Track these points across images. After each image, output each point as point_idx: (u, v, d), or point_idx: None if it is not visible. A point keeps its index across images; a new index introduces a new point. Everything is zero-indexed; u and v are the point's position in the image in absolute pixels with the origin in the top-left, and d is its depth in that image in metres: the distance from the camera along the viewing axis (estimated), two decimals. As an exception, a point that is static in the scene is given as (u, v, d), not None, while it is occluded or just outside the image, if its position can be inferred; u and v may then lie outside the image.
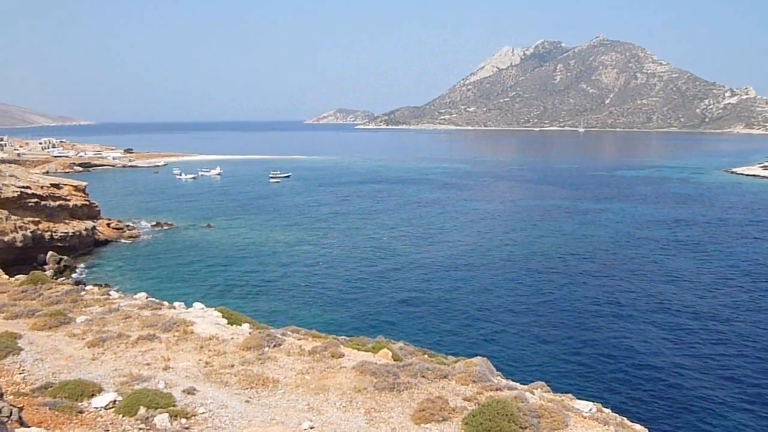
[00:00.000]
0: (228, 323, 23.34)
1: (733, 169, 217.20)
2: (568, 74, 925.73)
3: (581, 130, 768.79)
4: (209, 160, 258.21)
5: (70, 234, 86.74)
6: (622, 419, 18.06)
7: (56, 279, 57.48)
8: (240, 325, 23.42)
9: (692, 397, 42.31)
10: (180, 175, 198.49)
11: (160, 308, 24.94)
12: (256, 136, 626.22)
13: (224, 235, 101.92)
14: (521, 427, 13.14)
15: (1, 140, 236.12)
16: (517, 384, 19.26)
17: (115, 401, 13.99)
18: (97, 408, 13.66)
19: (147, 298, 27.81)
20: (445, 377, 17.04)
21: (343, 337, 26.27)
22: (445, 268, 78.83)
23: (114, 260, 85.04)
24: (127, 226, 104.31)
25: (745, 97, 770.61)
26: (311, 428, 13.56)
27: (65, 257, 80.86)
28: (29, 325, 21.23)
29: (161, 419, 13.01)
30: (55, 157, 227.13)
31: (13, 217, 78.01)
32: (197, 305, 26.15)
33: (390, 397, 15.47)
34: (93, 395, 14.27)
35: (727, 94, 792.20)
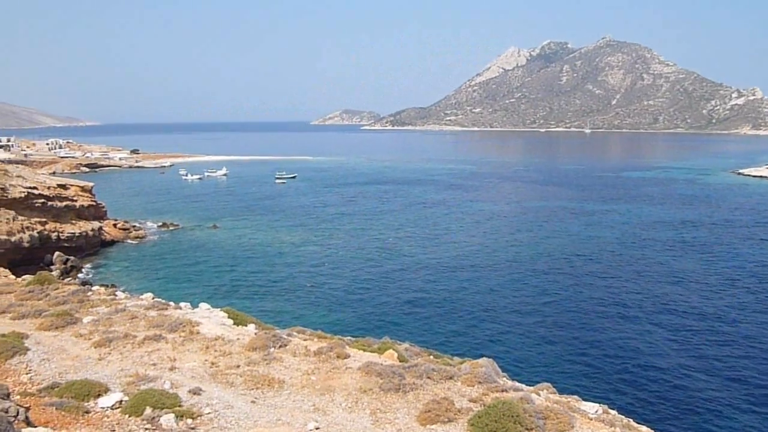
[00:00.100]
0: (234, 324, 23.38)
1: (740, 170, 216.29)
2: (575, 75, 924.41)
3: (587, 131, 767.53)
4: (215, 161, 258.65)
5: (76, 234, 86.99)
6: (629, 421, 18.03)
7: (63, 279, 57.60)
8: (246, 325, 23.46)
9: (699, 398, 42.16)
10: (186, 175, 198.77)
11: (167, 309, 25.00)
12: (262, 137, 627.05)
13: (230, 235, 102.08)
14: (527, 429, 13.12)
15: (9, 141, 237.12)
16: (523, 385, 19.24)
17: (121, 401, 14.03)
18: (103, 408, 13.70)
19: (153, 298, 27.89)
20: (450, 378, 17.03)
21: (349, 337, 26.26)
22: (451, 269, 78.77)
23: (120, 261, 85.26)
24: (134, 226, 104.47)
25: (752, 98, 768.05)
26: (317, 429, 13.57)
27: (72, 257, 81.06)
28: (36, 325, 21.31)
29: (167, 419, 13.03)
30: (62, 157, 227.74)
31: (20, 218, 78.30)
32: (203, 306, 26.20)
33: (396, 398, 15.46)
34: (99, 395, 14.31)
35: (734, 95, 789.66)
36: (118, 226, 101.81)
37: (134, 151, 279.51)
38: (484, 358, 20.79)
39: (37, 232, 79.13)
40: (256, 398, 15.27)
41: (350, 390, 15.91)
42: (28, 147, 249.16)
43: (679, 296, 66.31)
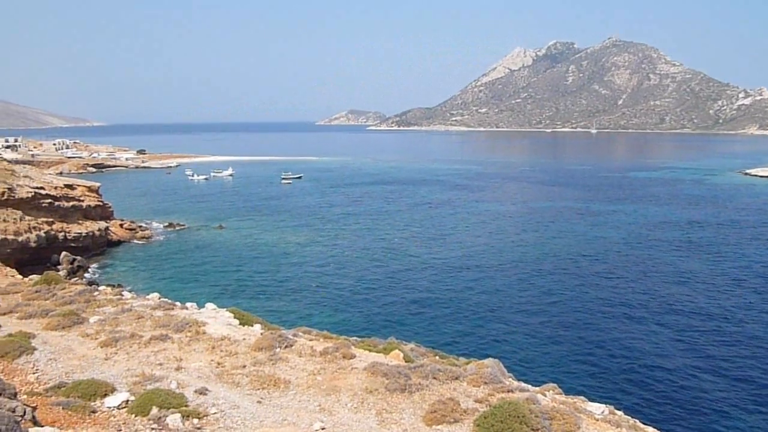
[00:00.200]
0: (240, 324, 23.41)
1: (747, 171, 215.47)
2: (581, 75, 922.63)
3: (593, 131, 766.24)
4: (221, 161, 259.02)
5: (83, 234, 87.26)
6: (635, 421, 18.00)
7: (69, 279, 57.83)
8: (252, 325, 23.49)
9: (705, 399, 42.02)
10: (192, 176, 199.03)
11: (173, 309, 25.05)
12: (267, 137, 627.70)
13: (236, 235, 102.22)
14: (533, 429, 13.10)
15: (16, 141, 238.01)
16: (529, 386, 19.22)
17: (127, 401, 14.06)
18: (109, 408, 13.73)
19: (159, 298, 27.96)
20: (456, 379, 17.01)
21: (355, 338, 26.26)
22: (457, 269, 78.71)
23: (127, 261, 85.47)
24: (140, 226, 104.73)
25: (759, 98, 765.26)
26: (322, 429, 13.58)
27: (78, 257, 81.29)
28: (43, 325, 21.39)
29: (173, 419, 13.06)
30: (69, 158, 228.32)
31: (27, 218, 78.57)
32: (209, 306, 26.25)
33: (401, 398, 15.46)
34: (106, 395, 14.34)
35: (740, 95, 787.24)
36: (125, 226, 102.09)
37: (141, 152, 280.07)
38: (490, 359, 20.78)
39: (44, 232, 79.39)
40: (262, 398, 15.30)
41: (356, 390, 15.91)
42: (35, 147, 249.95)
43: (686, 296, 66.10)
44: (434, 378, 16.81)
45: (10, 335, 19.12)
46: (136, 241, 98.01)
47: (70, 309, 23.20)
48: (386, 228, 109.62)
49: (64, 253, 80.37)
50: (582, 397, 19.46)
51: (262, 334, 21.32)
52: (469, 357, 27.21)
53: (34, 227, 78.28)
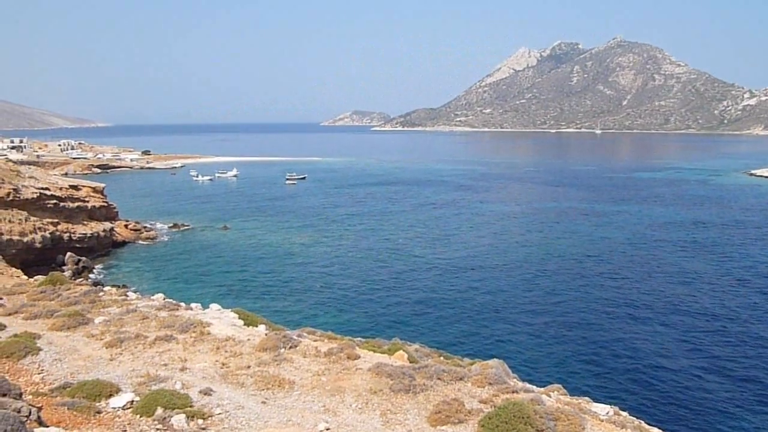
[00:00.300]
0: (244, 324, 23.43)
1: (752, 171, 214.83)
2: (585, 76, 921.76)
3: (598, 131, 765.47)
4: (226, 162, 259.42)
5: (88, 235, 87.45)
6: (639, 422, 17.96)
7: (74, 280, 57.90)
8: (256, 326, 23.50)
9: (710, 399, 41.91)
10: (197, 176, 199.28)
11: (177, 309, 25.08)
12: (271, 138, 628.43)
13: (240, 236, 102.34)
14: (538, 430, 13.08)
15: (21, 142, 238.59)
16: (534, 386, 19.20)
17: (132, 401, 14.08)
18: (114, 408, 13.75)
19: (164, 299, 27.98)
20: (461, 379, 17.00)
21: (359, 338, 26.26)
22: (462, 270, 78.66)
23: (131, 261, 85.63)
24: (145, 227, 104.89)
25: (764, 98, 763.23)
26: (327, 429, 13.57)
27: (83, 258, 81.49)
28: (48, 326, 21.43)
29: (178, 420, 13.07)
30: (74, 158, 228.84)
31: (32, 219, 78.78)
32: (214, 306, 26.27)
33: (406, 398, 15.45)
34: (111, 395, 14.36)
35: (746, 96, 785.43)
36: (130, 226, 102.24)
37: (145, 152, 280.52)
38: (495, 359, 20.76)
39: (49, 233, 79.58)
40: (266, 399, 15.30)
41: (360, 391, 15.91)
42: (40, 148, 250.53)
43: (691, 297, 65.94)
44: (439, 379, 16.80)
45: (15, 336, 19.17)
46: (140, 241, 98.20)
47: (75, 309, 23.24)
48: (391, 228, 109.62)
49: (69, 253, 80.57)
50: (587, 398, 19.44)
51: (266, 334, 21.33)
52: (474, 357, 27.18)
53: (40, 228, 78.48)
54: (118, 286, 47.73)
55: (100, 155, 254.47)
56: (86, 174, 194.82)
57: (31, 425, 10.91)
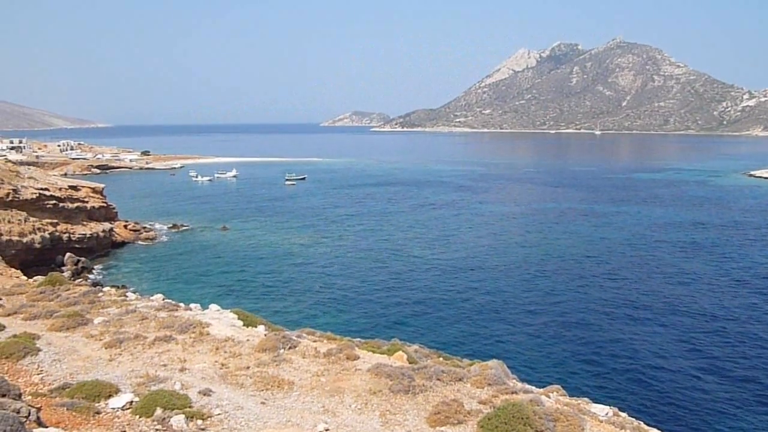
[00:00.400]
0: (244, 325, 23.44)
1: (752, 172, 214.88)
2: (585, 77, 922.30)
3: (597, 132, 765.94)
4: (225, 163, 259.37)
5: (87, 236, 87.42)
6: (639, 423, 17.98)
7: (74, 280, 57.88)
8: (255, 326, 23.52)
9: (709, 400, 41.92)
10: (196, 177, 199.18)
11: (177, 310, 25.10)
12: (271, 139, 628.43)
13: (240, 237, 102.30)
14: (537, 431, 13.08)
15: (21, 142, 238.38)
16: (533, 387, 19.21)
17: (131, 402, 14.08)
18: (114, 409, 13.76)
19: (163, 299, 28.00)
20: (460, 380, 17.01)
21: (358, 339, 26.27)
22: (461, 270, 78.65)
23: (131, 262, 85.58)
24: (144, 228, 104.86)
25: (763, 99, 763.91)
26: (326, 430, 13.58)
27: (83, 258, 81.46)
28: (47, 326, 21.43)
29: (177, 420, 13.08)
30: (73, 159, 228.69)
31: (31, 219, 78.75)
32: (213, 307, 26.28)
33: (405, 399, 15.46)
34: (110, 396, 14.37)
35: (745, 97, 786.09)
36: (129, 227, 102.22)
37: (145, 153, 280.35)
38: (494, 360, 20.77)
39: (49, 233, 79.57)
40: (265, 399, 15.31)
41: (360, 391, 15.92)
42: (39, 148, 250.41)
43: (690, 298, 65.96)
44: (438, 379, 16.82)
45: (14, 336, 19.17)
46: (140, 242, 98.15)
47: (75, 310, 23.24)
48: (390, 229, 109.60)
49: (68, 254, 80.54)
50: (586, 399, 19.45)
51: (265, 335, 21.34)
52: (473, 358, 27.18)
53: (39, 228, 78.46)
54: (118, 287, 47.69)
55: (99, 156, 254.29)
56: (85, 174, 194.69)
57: (31, 426, 10.91)
